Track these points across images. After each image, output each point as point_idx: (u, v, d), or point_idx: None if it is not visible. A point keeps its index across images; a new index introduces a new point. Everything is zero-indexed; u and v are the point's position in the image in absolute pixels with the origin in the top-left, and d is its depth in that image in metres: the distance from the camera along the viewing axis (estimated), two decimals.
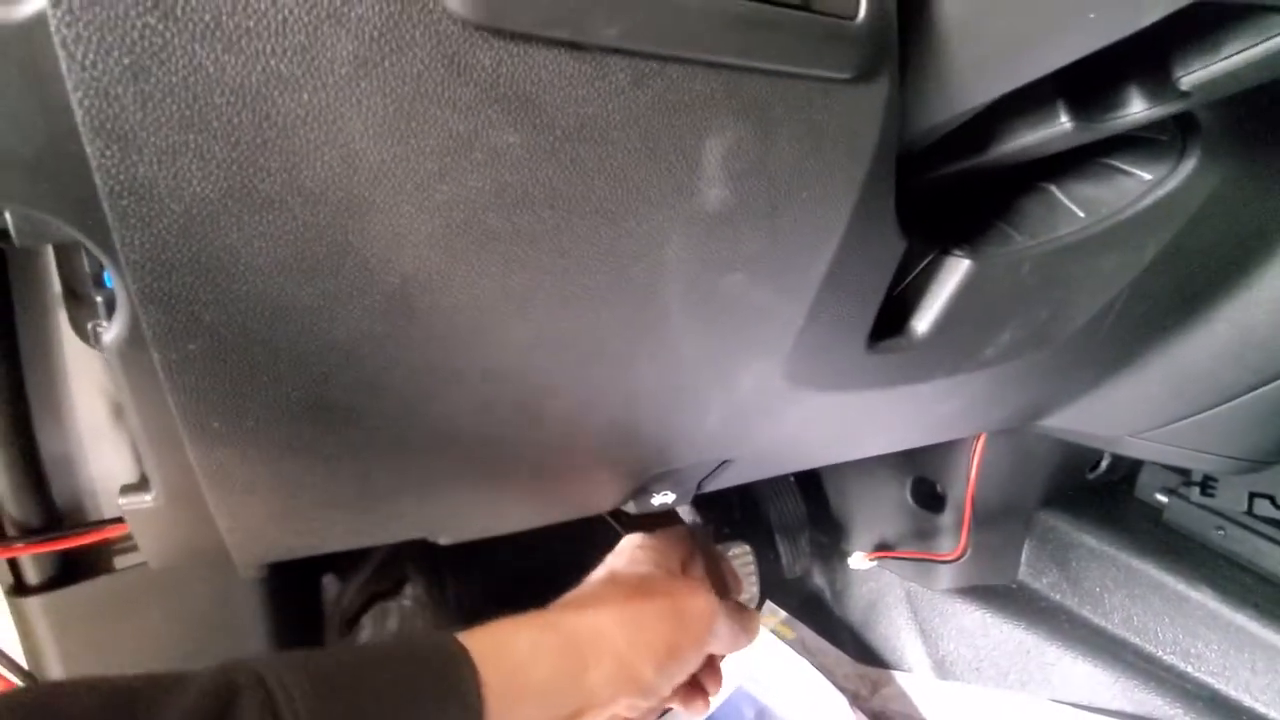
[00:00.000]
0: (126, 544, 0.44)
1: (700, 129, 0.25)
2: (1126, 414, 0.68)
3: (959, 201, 0.47)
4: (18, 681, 0.34)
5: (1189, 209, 0.46)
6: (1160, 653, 0.75)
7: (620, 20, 0.21)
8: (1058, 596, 0.86)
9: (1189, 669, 0.73)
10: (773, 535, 0.96)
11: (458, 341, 0.28)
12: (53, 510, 0.41)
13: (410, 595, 0.74)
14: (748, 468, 0.52)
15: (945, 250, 0.43)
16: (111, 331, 0.24)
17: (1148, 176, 0.45)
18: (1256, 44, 0.30)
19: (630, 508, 0.49)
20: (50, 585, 0.42)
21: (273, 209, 0.21)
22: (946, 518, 0.88)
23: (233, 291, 0.23)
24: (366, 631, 0.70)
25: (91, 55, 0.17)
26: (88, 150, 0.18)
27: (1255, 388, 0.60)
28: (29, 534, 0.40)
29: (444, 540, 0.43)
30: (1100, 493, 0.92)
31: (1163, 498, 0.86)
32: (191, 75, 0.18)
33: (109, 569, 0.44)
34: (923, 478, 0.90)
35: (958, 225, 0.46)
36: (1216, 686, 0.71)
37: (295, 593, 0.60)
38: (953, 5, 0.29)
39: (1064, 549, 0.87)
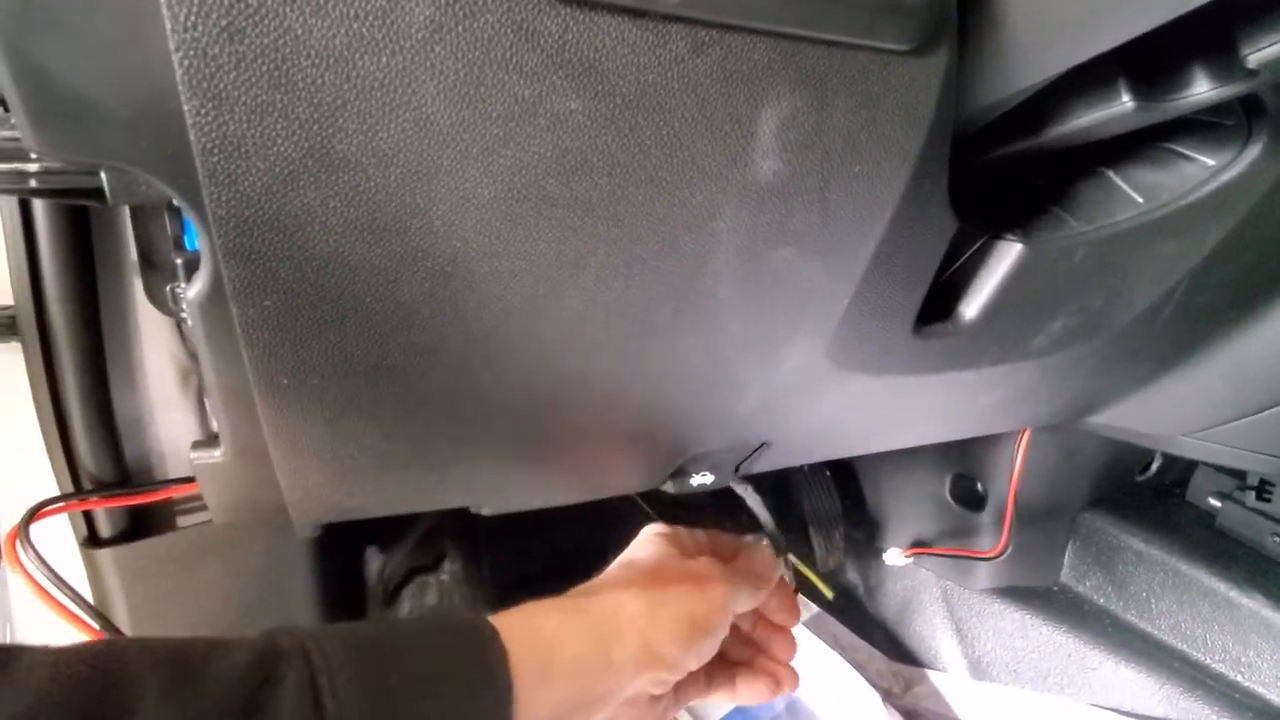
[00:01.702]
0: (190, 504, 0.47)
1: (757, 99, 0.26)
2: (1181, 412, 0.66)
3: (1013, 185, 0.46)
4: (92, 622, 0.37)
5: (1253, 196, 0.44)
6: (1209, 660, 0.73)
7: None
8: (1102, 600, 0.84)
9: (1239, 678, 0.71)
10: (806, 529, 0.96)
11: (512, 308, 0.29)
12: (124, 469, 0.44)
13: (448, 571, 0.76)
14: (786, 452, 0.52)
15: (997, 234, 0.42)
16: (194, 288, 0.25)
17: (1211, 162, 0.44)
18: None
19: (668, 487, 0.50)
20: (120, 539, 0.44)
21: (348, 169, 0.22)
22: (986, 516, 0.87)
23: (307, 249, 0.24)
24: (406, 604, 0.72)
25: (193, 17, 0.18)
26: (185, 108, 0.20)
27: None
28: (103, 489, 0.42)
29: (487, 511, 0.44)
30: (1150, 496, 0.90)
31: (1216, 502, 0.83)
32: (282, 37, 0.19)
33: (173, 526, 0.47)
34: (963, 474, 0.88)
35: (1011, 209, 0.45)
36: (1268, 696, 0.68)
37: (342, 559, 0.62)
38: None
39: (1110, 552, 0.85)
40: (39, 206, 0.37)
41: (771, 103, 0.26)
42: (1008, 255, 0.42)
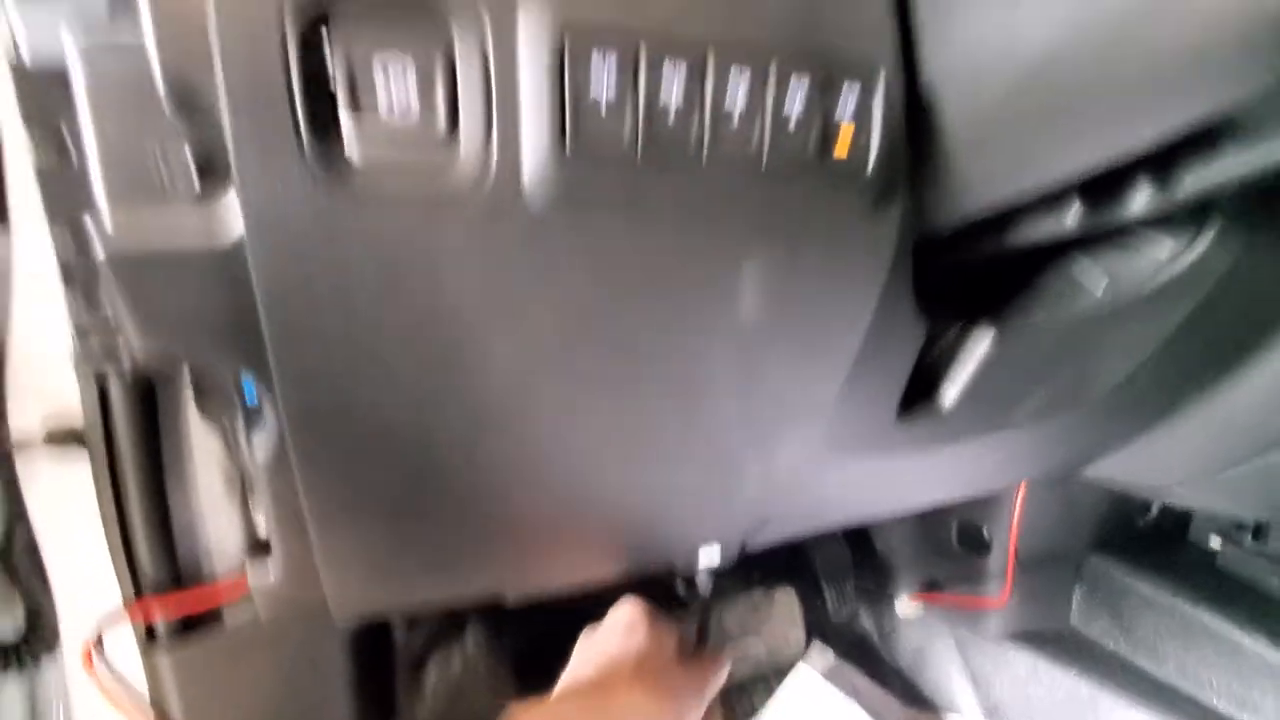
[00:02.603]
0: (235, 603, 0.50)
1: (735, 258, 0.30)
2: (1171, 463, 0.68)
3: (983, 272, 0.50)
4: None
5: (1211, 278, 0.48)
6: (1216, 702, 0.74)
7: (666, 192, 0.26)
8: (1110, 644, 0.86)
9: (1245, 719, 0.72)
10: (818, 580, 0.98)
11: (534, 438, 0.33)
12: (178, 572, 0.48)
13: (471, 641, 0.78)
14: (788, 527, 0.55)
15: (970, 323, 0.46)
16: (261, 450, 0.30)
17: (1166, 250, 0.47)
18: (1250, 155, 0.33)
19: (679, 566, 0.53)
20: (174, 638, 0.48)
21: (392, 356, 0.26)
22: (993, 561, 0.88)
23: (356, 416, 0.28)
24: (432, 674, 0.75)
25: (271, 260, 0.23)
26: (263, 324, 0.24)
27: None
28: (161, 593, 0.46)
29: (511, 597, 0.48)
30: (1153, 537, 0.92)
31: (1217, 542, 0.85)
32: (342, 273, 0.24)
33: (219, 618, 0.50)
34: (967, 520, 0.91)
35: (982, 296, 0.49)
36: None
37: (372, 636, 0.65)
38: (957, 130, 0.33)
39: (1116, 595, 0.87)
40: None
41: (750, 260, 0.30)
42: (980, 343, 0.46)
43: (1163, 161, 0.38)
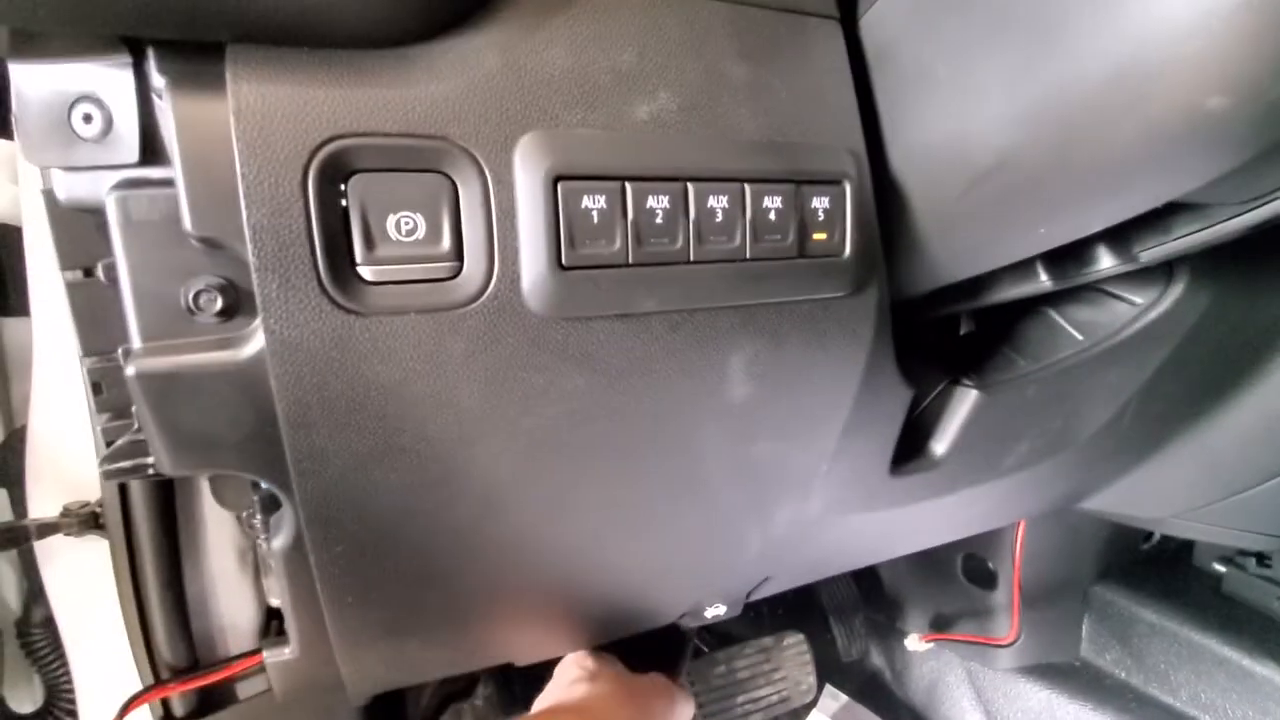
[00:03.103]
0: (249, 674, 0.51)
1: (724, 350, 0.32)
2: (1164, 496, 0.69)
3: (965, 326, 0.52)
4: None
5: (1184, 326, 0.50)
6: None
7: (657, 295, 0.28)
8: (1122, 674, 0.86)
9: None
10: (827, 618, 0.98)
11: (541, 523, 0.34)
12: (193, 651, 0.49)
13: (482, 695, 0.79)
14: (791, 578, 0.56)
15: (955, 380, 0.48)
16: (278, 540, 0.31)
17: (1139, 300, 0.49)
18: (1202, 229, 0.35)
19: (685, 622, 0.54)
20: (192, 717, 0.49)
21: (404, 453, 0.28)
22: (1000, 595, 0.89)
23: (369, 508, 0.30)
24: None
25: (292, 380, 0.25)
26: (283, 435, 0.26)
27: None
28: (177, 674, 0.47)
29: (521, 663, 0.49)
30: (1157, 563, 0.92)
31: (1220, 567, 0.86)
32: (357, 385, 0.25)
33: (235, 698, 0.51)
34: (972, 554, 0.91)
35: (965, 351, 0.51)
36: None
37: (384, 703, 0.66)
38: (923, 218, 0.35)
39: (1124, 624, 0.87)
40: None
41: (736, 350, 0.32)
42: (966, 399, 0.47)
43: (1120, 232, 0.40)
